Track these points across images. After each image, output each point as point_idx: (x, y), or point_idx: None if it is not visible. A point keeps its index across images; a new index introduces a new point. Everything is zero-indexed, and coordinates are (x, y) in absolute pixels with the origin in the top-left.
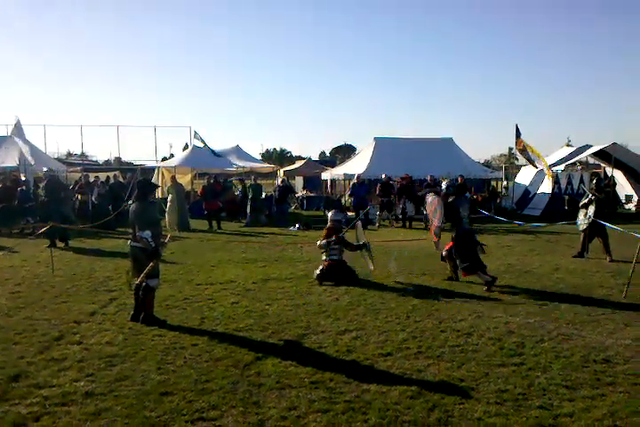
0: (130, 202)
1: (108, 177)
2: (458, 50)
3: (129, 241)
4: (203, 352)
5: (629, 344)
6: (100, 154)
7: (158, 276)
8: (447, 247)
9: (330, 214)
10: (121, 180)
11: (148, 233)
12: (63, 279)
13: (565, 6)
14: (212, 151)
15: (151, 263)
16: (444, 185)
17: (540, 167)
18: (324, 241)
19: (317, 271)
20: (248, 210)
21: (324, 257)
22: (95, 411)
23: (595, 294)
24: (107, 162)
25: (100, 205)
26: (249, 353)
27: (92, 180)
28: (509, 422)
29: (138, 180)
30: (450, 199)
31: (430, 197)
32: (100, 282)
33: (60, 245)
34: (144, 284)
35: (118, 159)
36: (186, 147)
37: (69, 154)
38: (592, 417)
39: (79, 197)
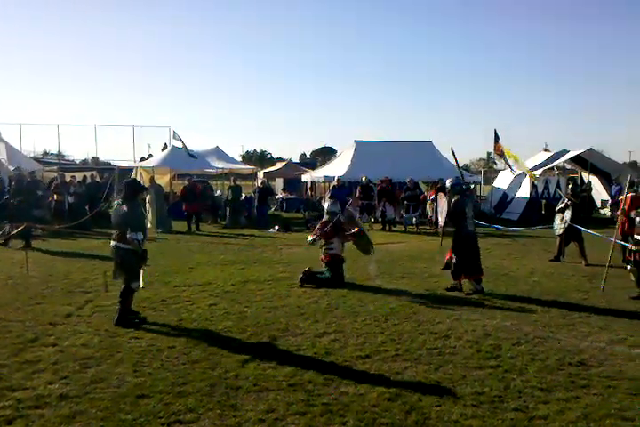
0: (115, 203)
1: (84, 177)
2: (438, 55)
3: (112, 242)
4: (180, 355)
5: (604, 347)
6: (76, 153)
7: (139, 278)
8: (450, 255)
9: (326, 205)
10: (98, 180)
11: (140, 235)
12: (38, 280)
13: (543, 11)
14: (188, 152)
15: (142, 265)
16: (448, 183)
17: (519, 172)
18: (311, 238)
19: (301, 275)
20: (227, 212)
21: (322, 251)
22: (70, 414)
23: (570, 298)
24: (84, 161)
25: (76, 206)
26: (227, 355)
27: (68, 179)
28: (486, 424)
29: (126, 180)
30: (455, 198)
31: (441, 198)
32: (76, 283)
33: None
34: (124, 286)
35: (95, 159)
36: (165, 147)
37: (45, 153)
38: (566, 419)
39: (55, 196)
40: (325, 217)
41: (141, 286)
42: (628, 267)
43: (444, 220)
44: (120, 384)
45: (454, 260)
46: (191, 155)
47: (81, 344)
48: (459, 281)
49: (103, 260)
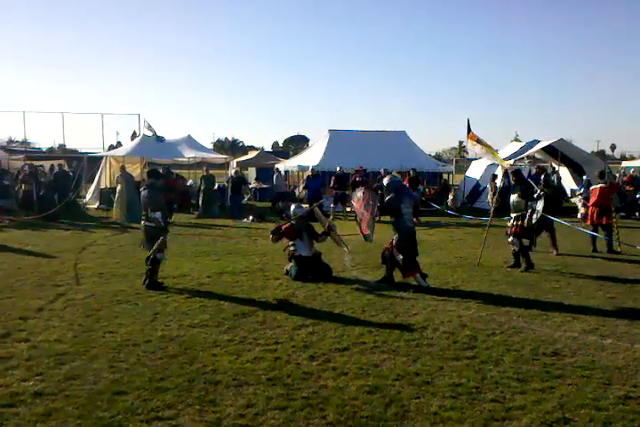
0: (141, 189)
1: (52, 165)
2: (409, 46)
3: (142, 221)
4: (157, 349)
5: (577, 337)
6: (42, 141)
7: (164, 250)
8: (389, 248)
9: (292, 208)
10: (66, 169)
11: (159, 214)
12: (6, 273)
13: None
14: (157, 137)
15: (161, 238)
16: (385, 181)
17: (492, 161)
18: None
19: (287, 268)
20: (200, 201)
21: (291, 249)
22: (45, 412)
23: (543, 287)
24: (50, 149)
25: (45, 196)
26: (204, 350)
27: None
28: (464, 415)
29: (148, 170)
30: (390, 195)
31: (360, 192)
32: (47, 277)
33: None
34: (152, 256)
35: (62, 147)
36: (134, 135)
37: (10, 141)
38: (543, 410)
39: (23, 186)
40: (293, 220)
41: (165, 257)
42: (510, 239)
43: (371, 213)
44: (96, 381)
45: (400, 257)
46: (159, 139)
47: (54, 339)
48: (390, 275)
49: (73, 252)
